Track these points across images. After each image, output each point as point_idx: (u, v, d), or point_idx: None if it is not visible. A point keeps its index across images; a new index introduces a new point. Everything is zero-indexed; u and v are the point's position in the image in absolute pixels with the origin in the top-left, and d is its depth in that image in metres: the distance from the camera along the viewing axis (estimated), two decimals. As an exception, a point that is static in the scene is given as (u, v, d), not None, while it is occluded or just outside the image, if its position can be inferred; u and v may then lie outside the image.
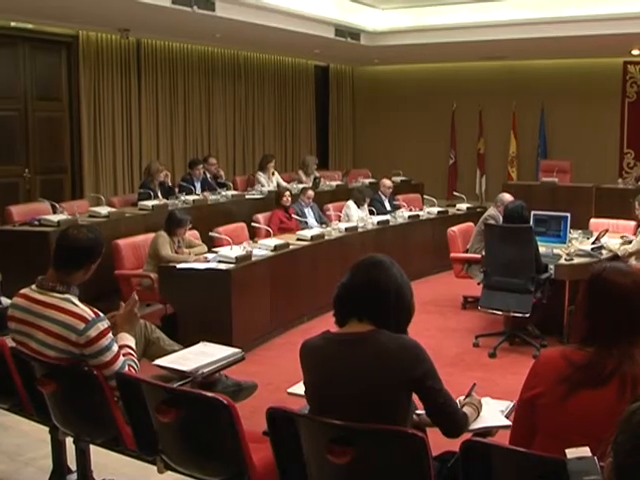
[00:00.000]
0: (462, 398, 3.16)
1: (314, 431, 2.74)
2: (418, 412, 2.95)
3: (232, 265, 6.80)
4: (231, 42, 12.79)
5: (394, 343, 2.71)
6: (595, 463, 1.83)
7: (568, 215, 7.87)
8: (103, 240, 3.73)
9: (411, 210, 10.33)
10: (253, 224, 8.74)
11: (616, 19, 10.80)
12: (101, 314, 3.44)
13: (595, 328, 2.58)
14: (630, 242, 7.65)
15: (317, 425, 2.73)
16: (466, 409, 3.04)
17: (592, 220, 9.32)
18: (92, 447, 3.79)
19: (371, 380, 2.68)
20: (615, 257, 7.56)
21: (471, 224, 8.68)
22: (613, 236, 8.16)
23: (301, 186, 10.92)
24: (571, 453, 1.88)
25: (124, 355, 3.51)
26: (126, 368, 3.44)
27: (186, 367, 3.70)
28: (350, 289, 2.84)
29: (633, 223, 8.41)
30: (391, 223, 9.69)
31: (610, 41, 11.70)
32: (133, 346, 3.65)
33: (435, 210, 10.53)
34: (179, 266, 6.95)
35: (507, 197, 8.28)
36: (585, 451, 1.89)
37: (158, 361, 3.85)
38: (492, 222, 7.81)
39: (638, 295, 2.58)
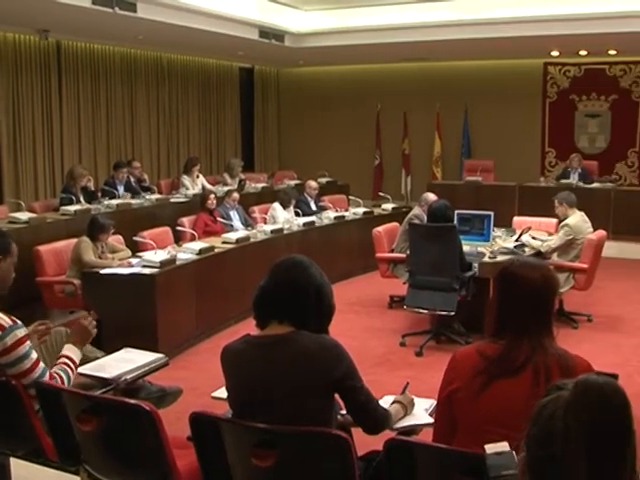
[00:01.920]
0: (393, 397, 3.19)
1: (238, 435, 2.72)
2: (342, 412, 2.95)
3: (157, 270, 6.71)
4: (154, 44, 12.65)
5: (314, 344, 2.70)
6: (513, 457, 1.86)
7: (491, 214, 8.01)
8: (10, 237, 3.63)
9: (337, 211, 10.35)
10: (178, 228, 8.64)
11: (535, 21, 11.01)
12: (19, 322, 3.35)
13: (506, 321, 2.65)
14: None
15: (240, 429, 2.71)
16: (394, 406, 3.06)
17: (515, 218, 9.48)
18: (12, 460, 3.69)
19: (292, 382, 2.67)
20: (538, 254, 7.72)
21: (396, 224, 8.72)
22: (538, 233, 8.32)
23: (226, 189, 10.85)
24: (490, 448, 1.91)
25: (59, 364, 3.43)
26: (46, 376, 3.35)
27: (108, 374, 3.64)
28: (269, 291, 2.82)
29: (555, 220, 8.56)
30: (317, 224, 9.71)
31: (530, 43, 11.94)
32: (75, 359, 3.56)
33: (361, 210, 10.58)
34: (103, 272, 6.84)
35: (431, 197, 8.37)
36: (504, 446, 1.91)
37: (80, 369, 3.76)
38: (417, 222, 7.87)
39: (546, 288, 2.66)
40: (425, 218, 7.74)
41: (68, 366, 3.50)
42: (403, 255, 7.72)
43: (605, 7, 10.62)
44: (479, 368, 2.59)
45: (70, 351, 3.58)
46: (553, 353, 2.57)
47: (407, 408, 3.13)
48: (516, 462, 1.81)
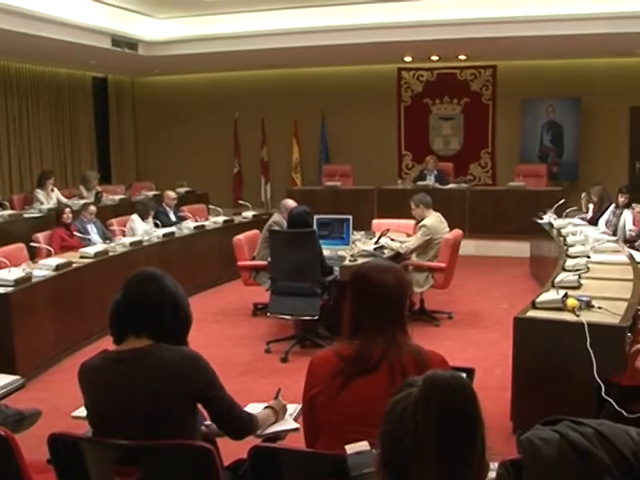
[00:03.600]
0: (260, 404, 3.18)
1: (98, 454, 2.66)
2: (207, 423, 2.94)
3: (11, 288, 6.45)
4: (1, 53, 12.19)
5: (174, 356, 2.68)
6: (373, 455, 1.89)
7: (350, 217, 8.13)
8: None
9: (197, 220, 10.27)
10: (32, 244, 8.34)
11: (389, 28, 11.28)
12: None
13: (360, 322, 2.72)
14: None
15: (101, 447, 2.65)
16: (264, 412, 3.08)
17: (374, 221, 9.67)
18: None
19: (153, 396, 2.63)
20: (397, 255, 7.89)
21: (257, 231, 8.72)
22: (397, 235, 8.51)
23: (82, 202, 10.56)
24: (350, 448, 1.94)
25: None
26: None
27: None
28: (124, 305, 2.78)
29: (413, 222, 8.75)
30: (177, 235, 9.61)
31: (384, 49, 12.21)
32: None
33: (221, 219, 10.55)
34: (-48, 293, 6.54)
35: (290, 203, 8.42)
36: (363, 445, 1.95)
37: None
38: (277, 228, 7.91)
39: (398, 289, 2.74)
40: (285, 224, 7.77)
41: None
42: (264, 262, 7.73)
43: (455, 14, 11.02)
44: (337, 369, 2.64)
45: None
46: (408, 350, 2.65)
47: (279, 413, 3.14)
48: (375, 460, 1.85)
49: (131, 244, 8.56)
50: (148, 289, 2.78)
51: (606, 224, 9.53)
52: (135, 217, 9.76)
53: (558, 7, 10.67)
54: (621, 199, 9.51)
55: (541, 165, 13.77)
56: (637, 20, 10.45)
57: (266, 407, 3.14)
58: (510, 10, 10.82)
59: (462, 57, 13.89)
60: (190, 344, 2.86)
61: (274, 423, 3.11)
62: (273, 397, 3.25)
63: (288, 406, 3.25)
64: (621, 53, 12.84)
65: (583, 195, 10.80)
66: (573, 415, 2.13)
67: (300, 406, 3.12)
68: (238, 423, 2.87)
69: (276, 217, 8.43)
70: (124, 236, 9.11)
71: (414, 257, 8.13)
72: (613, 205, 9.70)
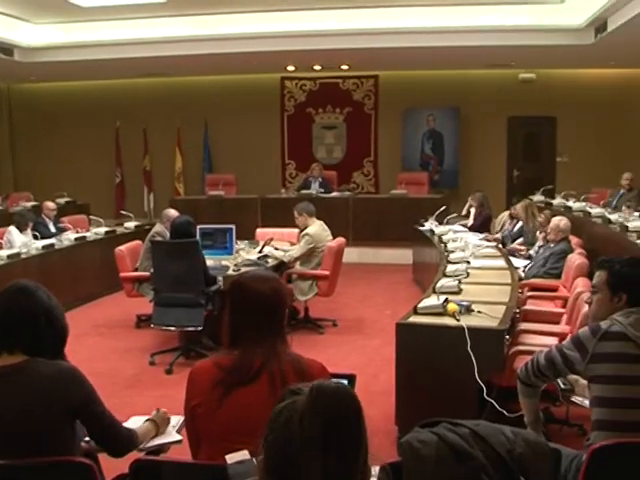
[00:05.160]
0: (142, 417, 3.14)
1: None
2: (87, 439, 2.87)
3: None
4: None
5: (50, 371, 2.61)
6: (254, 464, 1.89)
7: (233, 227, 8.12)
8: None
9: (77, 232, 10.01)
10: None
11: (272, 37, 11.33)
12: None
13: (239, 332, 2.73)
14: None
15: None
16: (144, 425, 3.04)
17: (258, 230, 9.66)
18: None
19: (29, 413, 2.56)
20: (281, 264, 7.91)
21: (139, 242, 8.57)
22: (281, 244, 8.52)
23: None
24: (230, 458, 1.94)
25: None
26: None
27: None
28: None
29: (296, 230, 8.78)
30: (57, 247, 9.35)
31: (267, 58, 12.27)
32: None
33: (102, 230, 10.34)
34: None
35: (172, 212, 8.32)
36: (244, 454, 1.95)
37: None
38: (159, 238, 7.80)
39: (275, 299, 2.77)
40: (168, 235, 7.68)
41: None
42: (147, 273, 7.61)
43: (337, 25, 11.16)
44: (216, 380, 2.63)
45: None
46: (287, 359, 2.67)
47: (159, 426, 3.10)
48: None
49: (8, 257, 8.29)
50: (20, 302, 2.70)
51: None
52: (12, 229, 9.44)
53: (436, 20, 10.96)
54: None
55: (422, 173, 14.09)
56: (512, 33, 10.86)
57: (146, 420, 3.09)
58: (390, 22, 11.05)
59: (344, 67, 14.09)
60: (72, 358, 2.81)
61: (155, 436, 3.06)
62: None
63: (172, 418, 3.22)
64: (497, 65, 13.26)
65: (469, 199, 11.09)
66: (456, 417, 2.18)
67: (183, 418, 3.09)
68: (117, 440, 2.81)
69: (158, 227, 8.31)
70: (1, 249, 8.80)
71: (298, 265, 8.17)
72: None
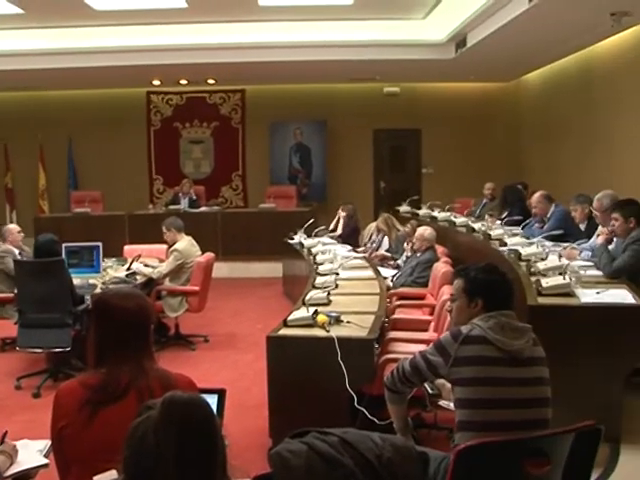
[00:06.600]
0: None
1: None
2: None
3: None
4: None
5: None
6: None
7: (100, 244, 7.99)
8: None
9: None
10: None
11: (137, 51, 11.22)
12: None
13: (105, 350, 2.70)
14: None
15: None
16: None
17: (126, 247, 9.50)
18: None
19: None
20: (150, 280, 7.82)
21: None
22: (149, 260, 8.42)
23: None
24: (98, 479, 1.91)
25: None
26: None
27: None
28: None
29: (165, 246, 8.70)
30: None
31: (132, 72, 12.14)
32: None
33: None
34: None
35: (12, 227, 8.40)
36: (111, 474, 1.92)
37: None
38: (8, 257, 7.59)
39: (140, 315, 2.75)
40: (16, 252, 7.53)
41: None
42: (10, 295, 7.37)
43: (201, 39, 11.14)
44: (83, 400, 2.59)
45: None
46: (155, 375, 2.65)
47: (12, 456, 2.99)
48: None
49: None
50: None
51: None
52: None
53: (301, 34, 11.12)
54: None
55: (291, 186, 14.23)
56: (375, 48, 11.12)
57: None
58: (256, 36, 11.14)
59: (211, 81, 14.09)
60: None
61: (11, 465, 2.96)
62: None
63: (38, 442, 3.15)
64: (362, 79, 13.54)
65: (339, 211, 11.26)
66: (329, 427, 2.21)
67: (50, 441, 3.02)
68: None
69: (3, 247, 7.99)
70: None
71: (167, 282, 8.10)
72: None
